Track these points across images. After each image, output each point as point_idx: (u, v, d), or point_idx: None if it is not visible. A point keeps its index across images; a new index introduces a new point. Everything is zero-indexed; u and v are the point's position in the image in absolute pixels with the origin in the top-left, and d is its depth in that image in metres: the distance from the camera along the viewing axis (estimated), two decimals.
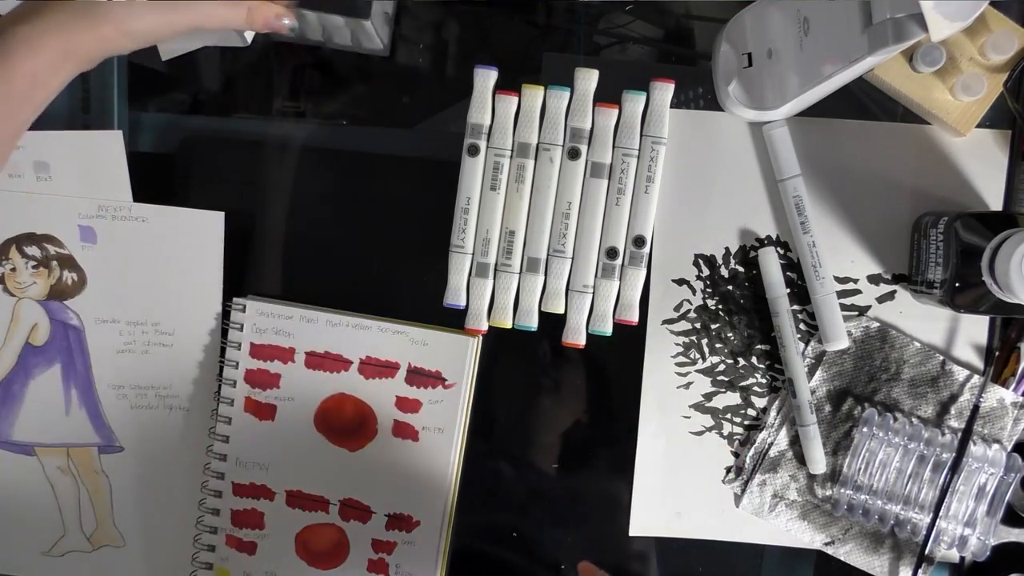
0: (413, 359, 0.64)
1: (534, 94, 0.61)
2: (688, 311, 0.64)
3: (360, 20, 0.57)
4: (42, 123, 0.65)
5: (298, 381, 0.65)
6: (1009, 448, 0.61)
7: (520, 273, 0.62)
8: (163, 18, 0.50)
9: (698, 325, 0.64)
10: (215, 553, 0.66)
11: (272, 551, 0.66)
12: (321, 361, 0.65)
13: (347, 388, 0.65)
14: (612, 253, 0.61)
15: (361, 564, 0.65)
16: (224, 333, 0.66)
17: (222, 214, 0.65)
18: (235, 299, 0.65)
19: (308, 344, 0.64)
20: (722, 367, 0.64)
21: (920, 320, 0.62)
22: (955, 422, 0.62)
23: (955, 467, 0.59)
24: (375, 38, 0.60)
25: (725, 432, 0.64)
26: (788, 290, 0.62)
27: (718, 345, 0.64)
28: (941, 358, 0.62)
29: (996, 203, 0.61)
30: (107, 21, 0.50)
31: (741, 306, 0.63)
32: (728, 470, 0.64)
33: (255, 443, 0.65)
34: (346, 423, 0.65)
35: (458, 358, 0.64)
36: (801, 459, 0.63)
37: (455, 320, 0.63)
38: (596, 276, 0.62)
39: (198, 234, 0.65)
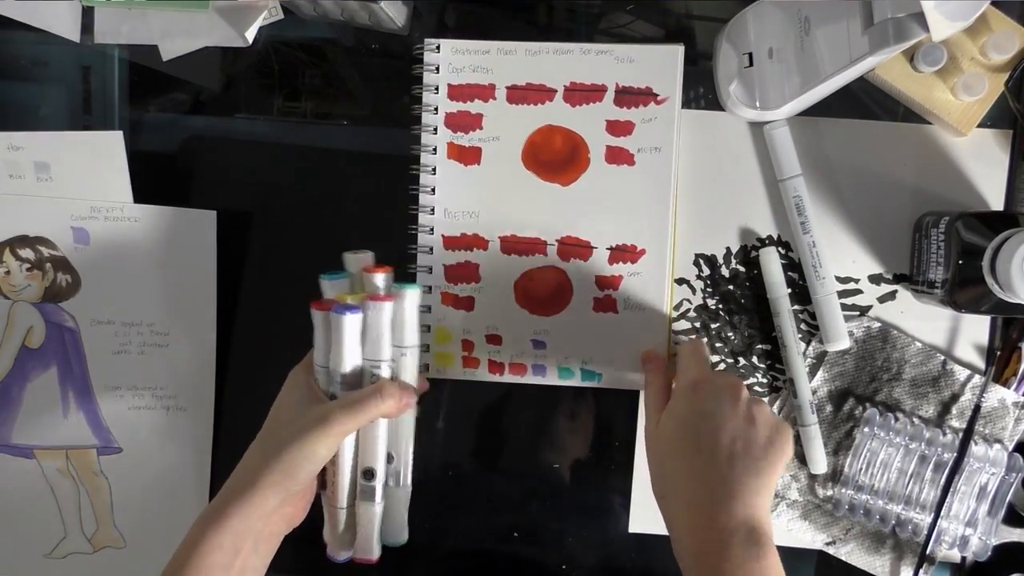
0: (620, 79, 0.61)
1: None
2: (688, 310, 0.64)
3: (371, 4, 0.58)
4: (43, 123, 0.65)
5: (501, 118, 0.62)
6: (1010, 448, 0.61)
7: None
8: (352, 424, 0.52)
9: (698, 324, 0.64)
10: (431, 314, 0.64)
11: (490, 304, 0.63)
12: (524, 94, 0.62)
13: (554, 119, 0.62)
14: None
15: (587, 304, 0.63)
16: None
17: (214, 213, 0.65)
18: (427, 40, 0.62)
19: (508, 78, 0.62)
20: (723, 367, 0.64)
21: (921, 320, 0.63)
22: (956, 422, 0.62)
23: (956, 467, 0.59)
24: (387, 20, 0.60)
25: None
26: (789, 290, 0.62)
27: (719, 345, 0.64)
28: (942, 358, 0.62)
29: (997, 203, 0.61)
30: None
31: (742, 306, 0.63)
32: None
33: (462, 191, 0.63)
34: (556, 156, 0.62)
35: (668, 70, 0.61)
36: (802, 459, 0.63)
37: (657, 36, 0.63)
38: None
39: (191, 233, 0.65)
